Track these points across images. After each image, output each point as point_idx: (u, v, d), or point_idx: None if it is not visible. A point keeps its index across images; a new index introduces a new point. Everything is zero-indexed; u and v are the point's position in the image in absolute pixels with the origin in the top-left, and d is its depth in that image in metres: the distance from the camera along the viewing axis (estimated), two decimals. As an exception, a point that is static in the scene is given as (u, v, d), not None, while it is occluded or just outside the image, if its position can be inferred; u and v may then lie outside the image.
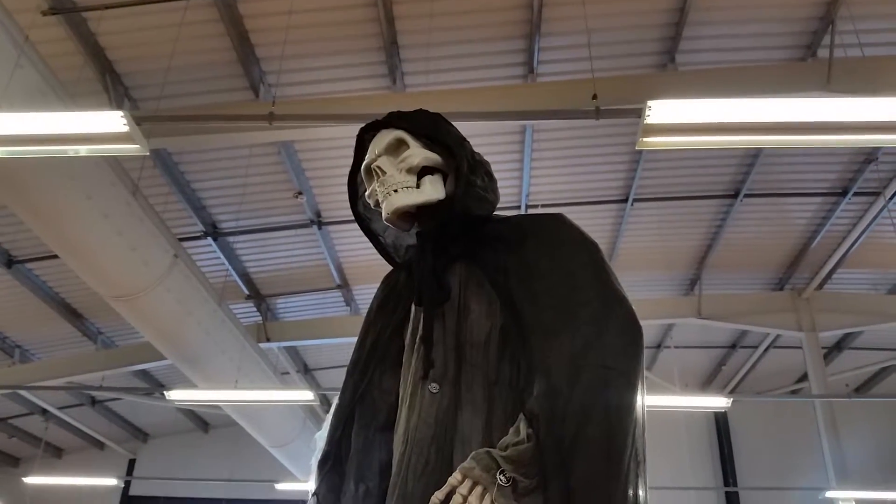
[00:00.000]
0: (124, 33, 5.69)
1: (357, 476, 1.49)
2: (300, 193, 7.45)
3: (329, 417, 1.60)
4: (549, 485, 1.13)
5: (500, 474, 1.14)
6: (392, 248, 1.68)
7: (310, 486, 1.56)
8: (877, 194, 7.68)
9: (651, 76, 6.13)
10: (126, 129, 3.79)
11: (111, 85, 5.95)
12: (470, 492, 1.14)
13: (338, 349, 10.79)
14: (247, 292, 9.18)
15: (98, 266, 5.88)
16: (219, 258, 8.41)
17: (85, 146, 3.91)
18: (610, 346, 1.25)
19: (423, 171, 1.51)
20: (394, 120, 1.56)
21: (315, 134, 5.98)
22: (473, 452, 1.19)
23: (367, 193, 1.59)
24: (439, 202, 1.49)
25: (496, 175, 1.61)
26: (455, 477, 1.17)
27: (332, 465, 1.53)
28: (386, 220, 1.52)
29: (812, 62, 5.92)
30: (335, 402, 1.60)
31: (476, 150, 1.60)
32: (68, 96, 4.85)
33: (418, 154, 1.51)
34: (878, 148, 7.04)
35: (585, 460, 1.14)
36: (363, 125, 1.62)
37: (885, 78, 5.10)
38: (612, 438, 1.16)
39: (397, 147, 1.53)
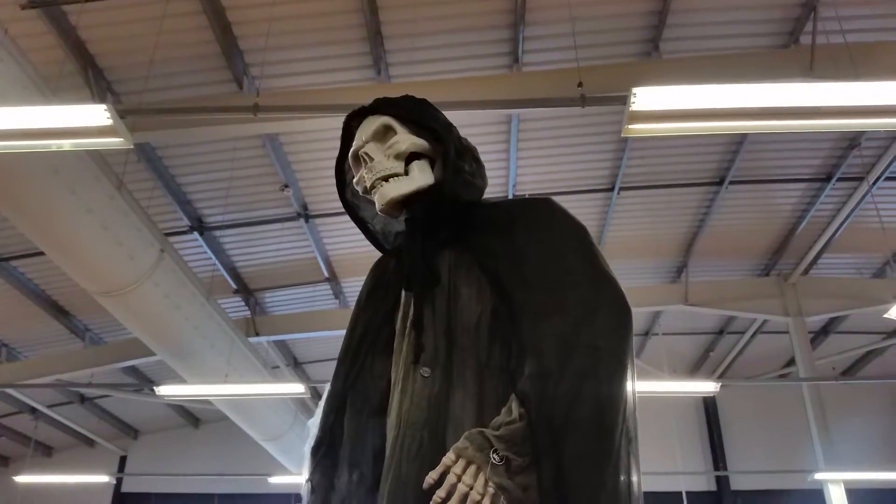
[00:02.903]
0: (105, 26, 5.64)
1: (351, 461, 1.50)
2: (286, 186, 7.42)
3: (321, 404, 1.61)
4: (541, 463, 1.15)
5: (493, 453, 1.15)
6: (381, 235, 1.68)
7: (303, 472, 1.56)
8: (860, 179, 7.75)
9: (636, 64, 6.14)
10: (109, 122, 3.77)
11: (93, 79, 5.90)
12: (464, 471, 1.15)
13: (327, 342, 10.78)
14: (234, 287, 9.15)
15: (84, 262, 5.84)
16: (206, 253, 8.37)
17: (68, 140, 3.88)
18: (600, 326, 1.26)
19: (410, 157, 1.51)
20: (381, 106, 1.56)
21: (300, 126, 5.96)
22: (466, 433, 1.20)
23: (354, 180, 1.59)
24: (428, 188, 1.49)
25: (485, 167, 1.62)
26: (449, 457, 1.18)
27: (326, 451, 1.53)
28: (380, 211, 1.52)
29: (795, 49, 5.95)
30: (327, 388, 1.61)
31: (462, 137, 1.60)
32: (50, 91, 4.80)
33: (406, 140, 1.51)
34: (862, 133, 7.11)
35: (576, 438, 1.16)
36: (350, 112, 1.62)
37: (867, 64, 5.14)
38: (603, 417, 1.18)
39: (384, 133, 1.53)
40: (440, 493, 1.15)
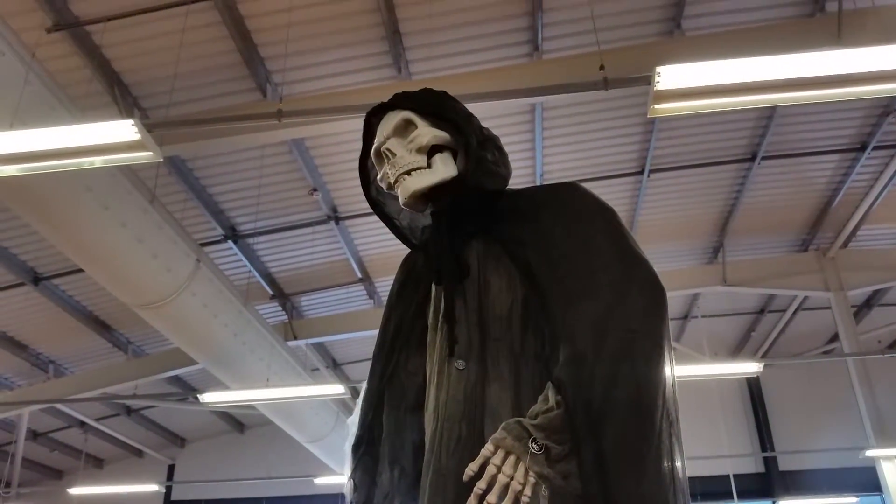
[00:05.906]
0: (129, 44, 5.72)
1: (391, 457, 1.51)
2: (315, 190, 7.47)
3: (359, 402, 1.61)
4: (581, 449, 1.13)
5: (531, 442, 1.14)
6: (408, 230, 1.67)
7: (345, 471, 1.57)
8: (897, 147, 7.56)
9: (658, 44, 6.05)
10: (138, 136, 3.82)
11: (120, 96, 6.00)
12: (503, 461, 1.15)
13: (365, 342, 10.84)
14: (271, 292, 9.25)
15: (122, 276, 5.94)
16: (241, 260, 8.47)
17: (99, 157, 3.95)
18: (632, 308, 1.25)
19: (432, 150, 1.50)
20: (400, 101, 1.55)
21: (325, 129, 5.98)
22: (504, 423, 1.19)
23: (378, 177, 1.59)
24: (452, 180, 1.48)
25: (509, 156, 1.61)
26: (488, 448, 1.17)
27: (366, 448, 1.54)
28: (404, 204, 1.51)
29: (821, 17, 5.81)
30: (364, 386, 1.61)
31: (485, 128, 1.58)
32: (78, 110, 4.89)
33: (427, 133, 1.50)
34: (895, 99, 6.92)
35: (616, 422, 1.14)
36: (369, 109, 1.62)
37: (896, 27, 5.00)
38: (641, 399, 1.16)
39: (405, 128, 1.52)
40: (481, 484, 1.14)
